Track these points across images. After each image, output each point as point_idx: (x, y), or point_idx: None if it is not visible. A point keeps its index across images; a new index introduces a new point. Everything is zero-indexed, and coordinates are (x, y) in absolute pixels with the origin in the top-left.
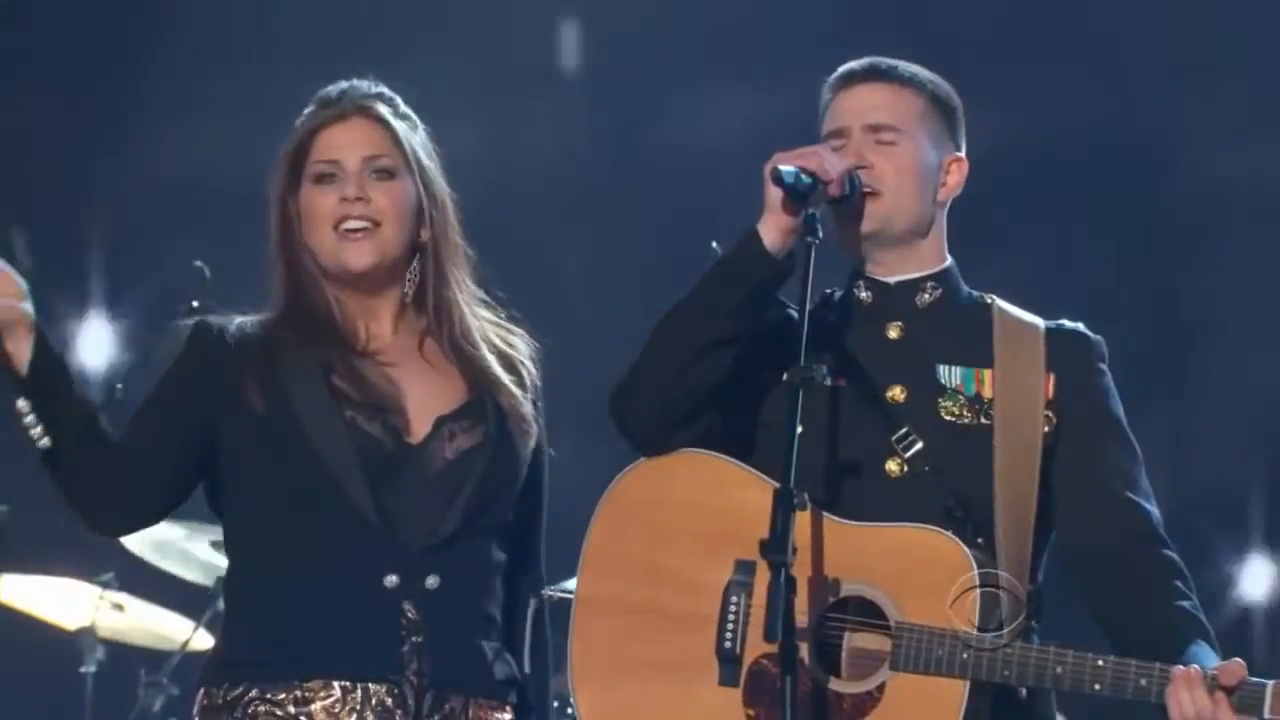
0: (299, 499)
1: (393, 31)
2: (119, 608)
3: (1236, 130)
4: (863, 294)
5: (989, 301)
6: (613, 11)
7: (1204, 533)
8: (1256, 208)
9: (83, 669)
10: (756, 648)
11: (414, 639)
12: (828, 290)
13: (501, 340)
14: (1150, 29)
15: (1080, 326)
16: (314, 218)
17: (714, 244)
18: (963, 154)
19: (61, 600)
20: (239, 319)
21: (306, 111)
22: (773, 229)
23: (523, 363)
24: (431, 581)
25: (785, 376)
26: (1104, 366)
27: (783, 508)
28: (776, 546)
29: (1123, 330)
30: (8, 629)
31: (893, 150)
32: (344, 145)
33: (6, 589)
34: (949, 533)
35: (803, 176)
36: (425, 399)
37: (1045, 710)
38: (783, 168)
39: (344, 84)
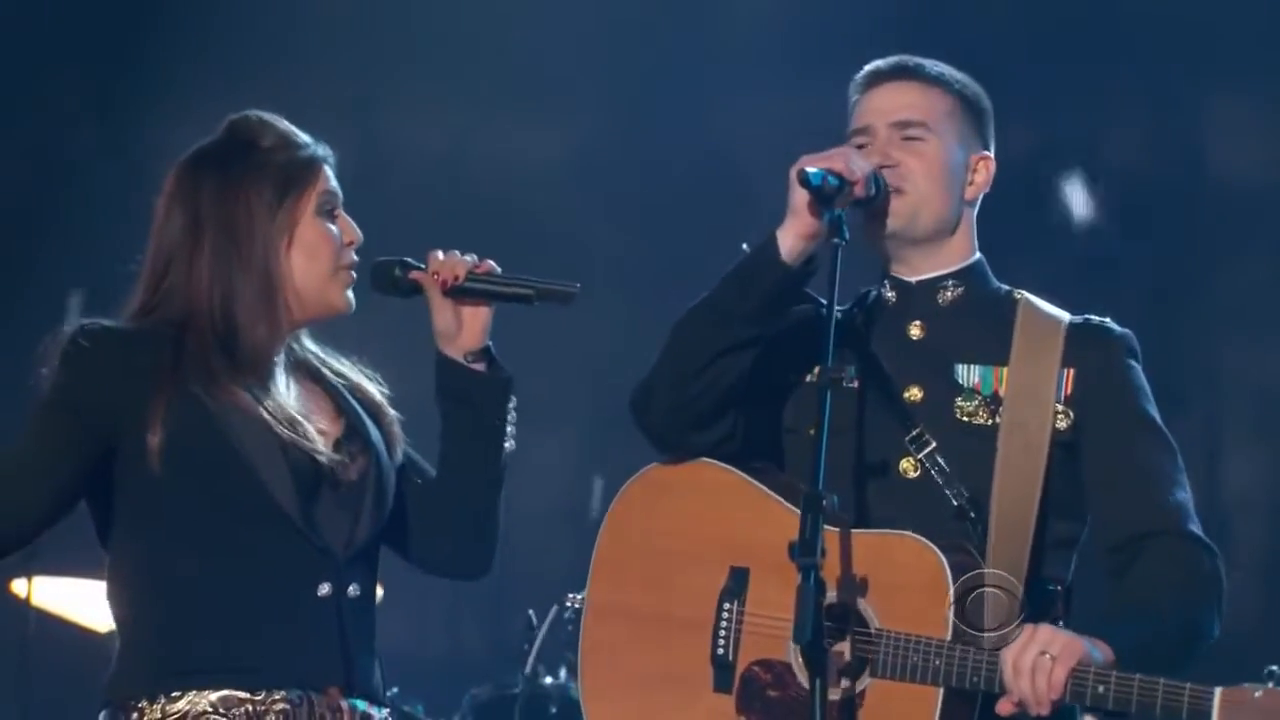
0: (232, 512)
1: (417, 34)
2: None
3: (1271, 130)
4: (888, 293)
5: (1017, 298)
6: (638, 12)
7: (1238, 533)
8: None
9: None
10: (748, 655)
11: (345, 647)
12: (863, 290)
13: (334, 360)
14: (1184, 29)
15: (1106, 321)
16: (321, 249)
17: (745, 245)
18: (990, 153)
19: (93, 603)
20: (124, 324)
21: (294, 144)
22: (793, 234)
23: (370, 375)
24: (353, 590)
25: (811, 378)
26: (1131, 361)
27: (811, 511)
28: (806, 549)
29: (1157, 330)
30: (40, 631)
31: (919, 147)
32: (336, 187)
33: (39, 592)
34: (927, 540)
35: (830, 178)
36: (320, 422)
37: None
38: (809, 169)
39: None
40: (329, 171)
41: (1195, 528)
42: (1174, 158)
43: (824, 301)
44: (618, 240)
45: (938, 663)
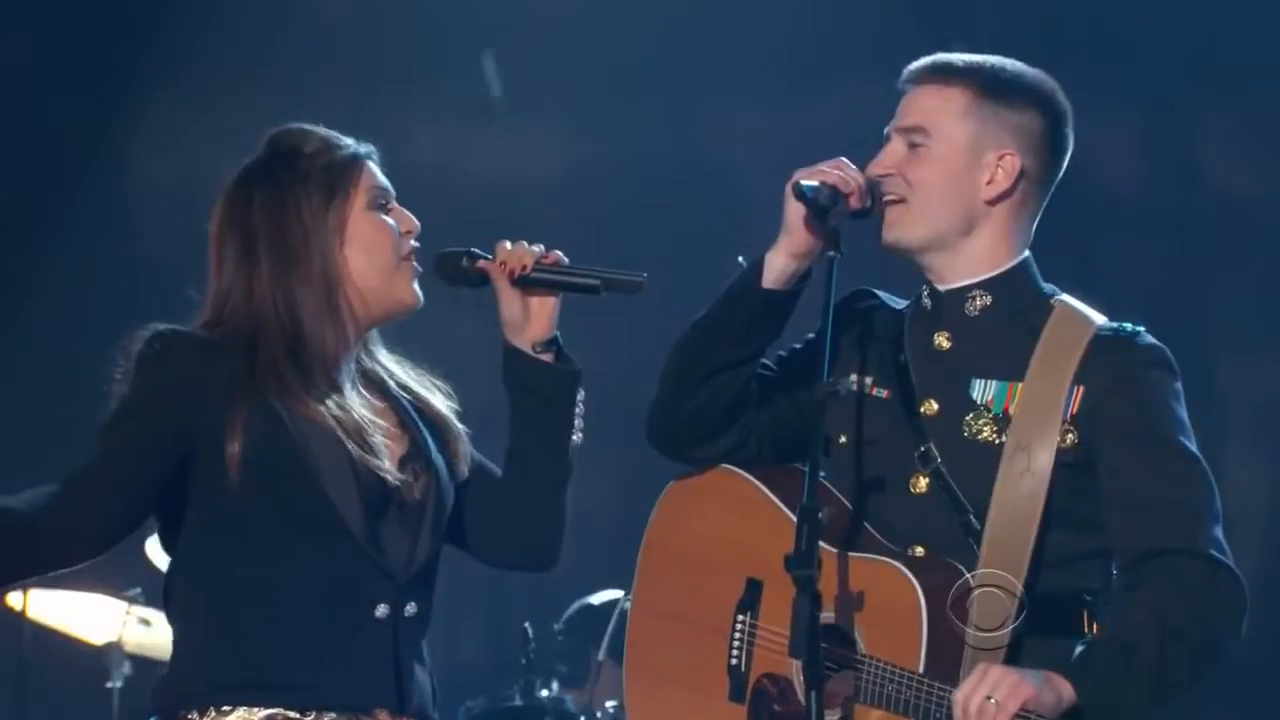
0: (298, 525)
1: (413, 46)
2: (146, 623)
3: (1266, 142)
4: (925, 301)
5: (1054, 305)
6: (636, 26)
7: (1231, 543)
8: None
9: (109, 684)
10: (759, 667)
11: (398, 669)
12: (918, 291)
13: (400, 368)
14: (1183, 39)
15: (1138, 334)
16: (377, 243)
17: (740, 259)
18: (1014, 149)
19: (89, 615)
20: (197, 331)
21: (335, 146)
22: (785, 252)
23: (441, 386)
24: (410, 610)
25: (843, 387)
26: (1153, 373)
27: (806, 523)
28: (801, 562)
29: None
30: (36, 644)
31: (920, 153)
32: (385, 181)
33: (35, 604)
34: (909, 570)
35: (824, 190)
36: (385, 438)
37: None
38: (804, 183)
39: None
40: (373, 167)
41: (1212, 548)
42: (1169, 169)
43: (883, 299)
44: (615, 251)
45: (909, 695)
